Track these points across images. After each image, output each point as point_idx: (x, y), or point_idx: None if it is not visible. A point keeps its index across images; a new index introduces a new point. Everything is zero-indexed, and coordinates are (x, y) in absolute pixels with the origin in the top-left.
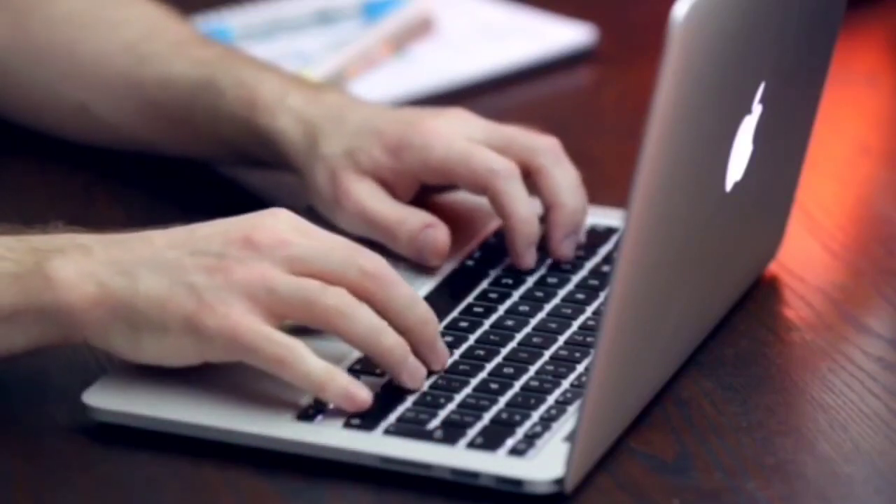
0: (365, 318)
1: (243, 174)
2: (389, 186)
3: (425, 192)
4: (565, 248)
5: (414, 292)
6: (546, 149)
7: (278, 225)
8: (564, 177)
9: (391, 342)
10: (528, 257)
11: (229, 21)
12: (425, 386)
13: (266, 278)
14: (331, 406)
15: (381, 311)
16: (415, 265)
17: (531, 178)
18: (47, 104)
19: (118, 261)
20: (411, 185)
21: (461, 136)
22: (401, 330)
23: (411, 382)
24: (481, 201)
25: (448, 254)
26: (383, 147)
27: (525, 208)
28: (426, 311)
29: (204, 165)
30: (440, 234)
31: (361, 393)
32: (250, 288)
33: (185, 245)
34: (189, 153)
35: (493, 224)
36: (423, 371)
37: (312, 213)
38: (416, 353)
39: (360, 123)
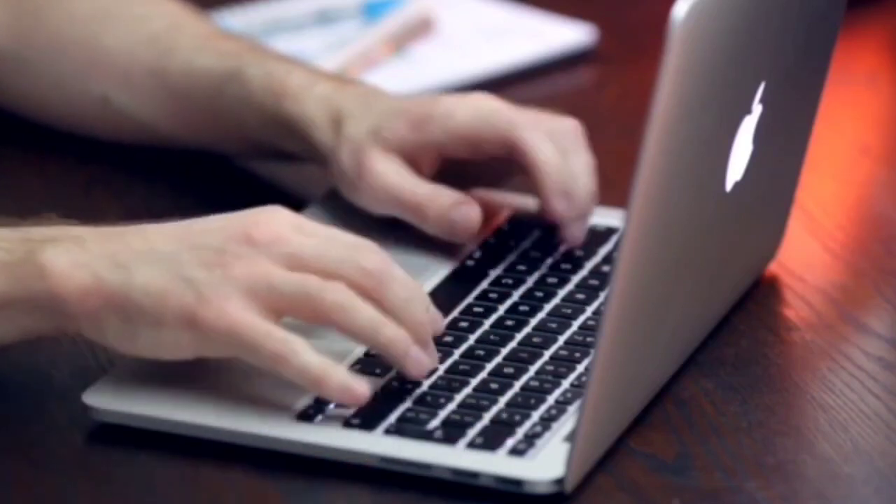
0: (364, 312)
1: (252, 166)
2: (414, 162)
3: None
4: (575, 231)
5: (413, 291)
6: (564, 130)
7: (277, 222)
8: (577, 162)
9: (391, 334)
10: (562, 204)
11: (229, 21)
12: (425, 385)
13: (266, 274)
14: (332, 406)
15: (380, 308)
16: (419, 260)
17: None
18: (69, 99)
19: (113, 253)
20: (434, 160)
21: (483, 108)
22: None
23: (415, 372)
24: (485, 198)
25: (478, 228)
26: (407, 122)
27: (550, 152)
28: (422, 313)
29: (205, 161)
30: (473, 210)
31: (360, 386)
32: (249, 283)
33: (182, 239)
34: (213, 146)
35: (493, 224)
36: (427, 363)
37: (335, 199)
38: None
39: (386, 106)
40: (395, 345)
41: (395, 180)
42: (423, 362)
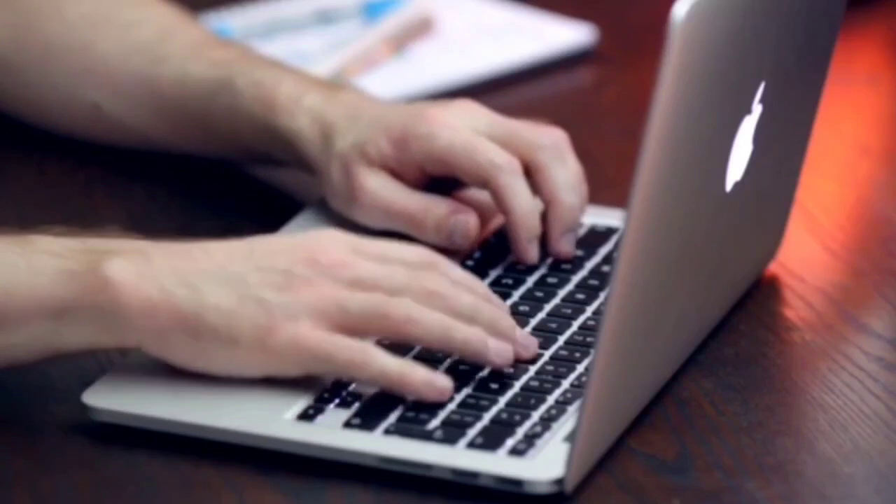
0: (434, 321)
1: (250, 167)
2: (399, 175)
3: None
4: (563, 244)
5: (478, 295)
6: (547, 145)
7: (339, 246)
8: (563, 173)
9: (465, 335)
10: (531, 251)
11: (229, 21)
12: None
13: (333, 296)
14: (331, 406)
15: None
16: None
17: (531, 175)
18: (61, 104)
19: (181, 271)
20: (418, 177)
21: (466, 128)
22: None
23: (501, 361)
24: (481, 200)
25: (476, 235)
26: (389, 138)
27: (526, 203)
28: (490, 314)
29: (205, 162)
30: (470, 218)
31: (442, 380)
32: (319, 305)
33: (248, 261)
34: (203, 153)
35: (493, 224)
36: (510, 349)
37: (324, 208)
38: None
39: (371, 119)
40: (472, 342)
41: (387, 196)
42: (505, 351)
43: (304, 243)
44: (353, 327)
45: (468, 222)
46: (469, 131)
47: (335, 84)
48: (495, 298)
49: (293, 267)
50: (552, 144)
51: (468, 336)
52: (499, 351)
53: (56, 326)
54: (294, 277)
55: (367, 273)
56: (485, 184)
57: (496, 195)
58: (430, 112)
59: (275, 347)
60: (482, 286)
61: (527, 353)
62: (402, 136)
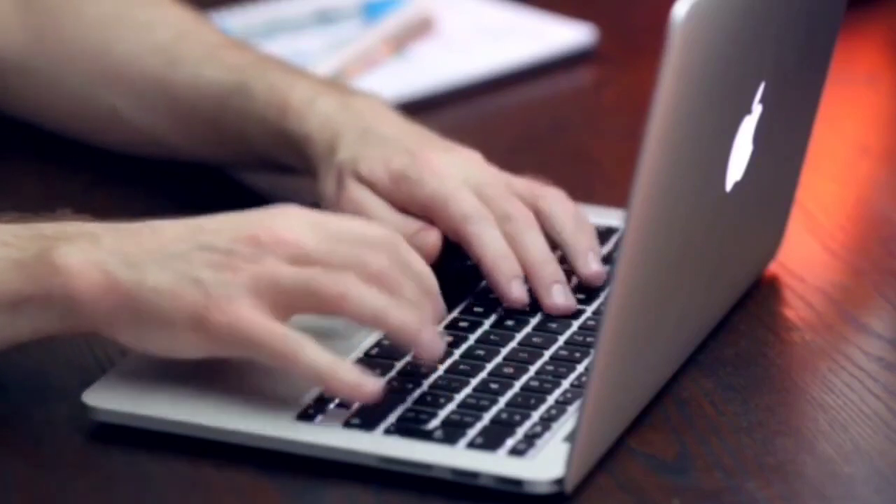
0: (369, 299)
1: (249, 175)
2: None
3: None
4: (589, 264)
5: (419, 292)
6: (543, 195)
7: (287, 224)
8: (562, 211)
9: (401, 319)
10: (512, 291)
11: (229, 21)
12: (425, 385)
13: (272, 273)
14: (331, 406)
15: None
16: None
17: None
18: (78, 108)
19: (126, 251)
20: (403, 211)
21: (455, 178)
22: None
23: (428, 353)
24: None
25: (438, 255)
26: (386, 170)
27: (495, 248)
28: (434, 309)
29: (204, 166)
30: (429, 237)
31: (370, 383)
32: (256, 284)
33: (193, 239)
34: (214, 159)
35: None
36: (440, 345)
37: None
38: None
39: (378, 140)
40: (404, 329)
41: (368, 209)
42: (437, 343)
43: (250, 220)
44: (289, 304)
45: (427, 240)
46: (456, 182)
47: (352, 90)
48: (439, 299)
49: (234, 245)
50: (550, 196)
51: (403, 321)
52: (431, 343)
53: (9, 317)
54: (234, 256)
55: (308, 250)
56: (456, 235)
57: (467, 247)
58: (429, 156)
59: (211, 329)
60: (433, 283)
61: (426, 355)
62: (397, 173)
